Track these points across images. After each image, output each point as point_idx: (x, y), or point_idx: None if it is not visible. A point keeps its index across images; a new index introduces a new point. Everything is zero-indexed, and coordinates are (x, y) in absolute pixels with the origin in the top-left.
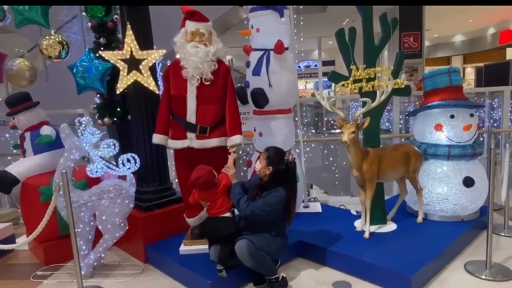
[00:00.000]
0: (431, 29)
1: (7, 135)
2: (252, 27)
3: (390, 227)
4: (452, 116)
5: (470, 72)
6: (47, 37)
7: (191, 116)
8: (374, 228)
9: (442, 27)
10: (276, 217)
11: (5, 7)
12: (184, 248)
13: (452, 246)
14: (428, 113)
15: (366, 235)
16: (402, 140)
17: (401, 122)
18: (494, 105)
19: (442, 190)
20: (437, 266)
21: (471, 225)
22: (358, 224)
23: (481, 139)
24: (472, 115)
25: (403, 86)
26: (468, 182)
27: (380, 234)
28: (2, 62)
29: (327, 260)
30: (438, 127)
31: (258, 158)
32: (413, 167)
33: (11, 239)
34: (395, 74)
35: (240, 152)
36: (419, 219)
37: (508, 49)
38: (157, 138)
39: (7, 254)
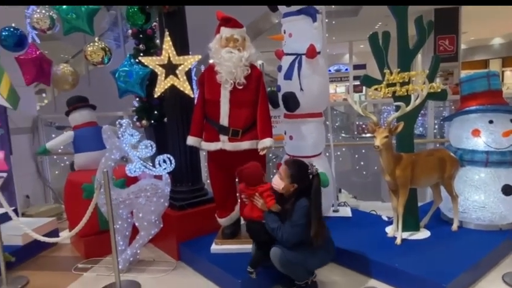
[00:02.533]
0: (468, 31)
1: (53, 135)
2: (284, 32)
3: (423, 234)
4: (490, 122)
5: (509, 76)
6: (91, 44)
7: (224, 119)
8: (406, 234)
9: (480, 29)
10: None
11: (54, 16)
12: (216, 247)
13: (489, 256)
14: (465, 118)
15: (398, 241)
16: (437, 145)
17: (436, 127)
18: None
19: (479, 198)
20: (473, 276)
21: (510, 235)
22: (390, 230)
23: None
24: None
25: (439, 90)
26: (507, 190)
27: (412, 241)
28: (49, 67)
29: (357, 265)
30: (476, 133)
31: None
32: (448, 173)
33: (55, 233)
34: (431, 78)
35: (270, 155)
36: (454, 227)
37: None
38: (191, 140)
39: (51, 246)
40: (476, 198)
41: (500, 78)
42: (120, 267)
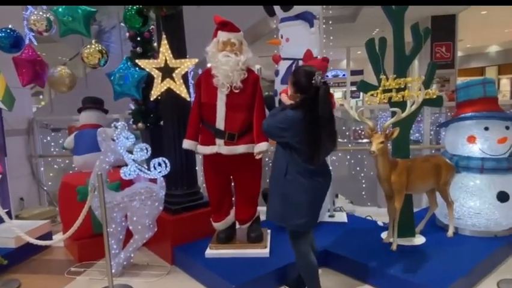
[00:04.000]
0: (464, 39)
1: (48, 137)
2: (281, 37)
3: (419, 240)
4: (486, 128)
5: (505, 84)
6: (88, 46)
7: (220, 123)
8: (401, 240)
9: (476, 37)
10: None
11: (51, 18)
12: (210, 252)
13: (484, 263)
14: (460, 124)
15: (394, 247)
16: (433, 151)
17: (432, 133)
18: None
19: (474, 204)
20: (468, 282)
21: (505, 242)
22: (385, 236)
23: None
24: (507, 128)
25: (435, 97)
26: (502, 197)
27: (407, 247)
28: (43, 69)
29: (352, 270)
30: (472, 139)
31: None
32: (444, 179)
33: (48, 236)
34: (427, 84)
35: (266, 159)
36: (449, 233)
37: None
38: (187, 144)
39: (44, 249)
40: (471, 205)
41: (496, 85)
42: (113, 271)
